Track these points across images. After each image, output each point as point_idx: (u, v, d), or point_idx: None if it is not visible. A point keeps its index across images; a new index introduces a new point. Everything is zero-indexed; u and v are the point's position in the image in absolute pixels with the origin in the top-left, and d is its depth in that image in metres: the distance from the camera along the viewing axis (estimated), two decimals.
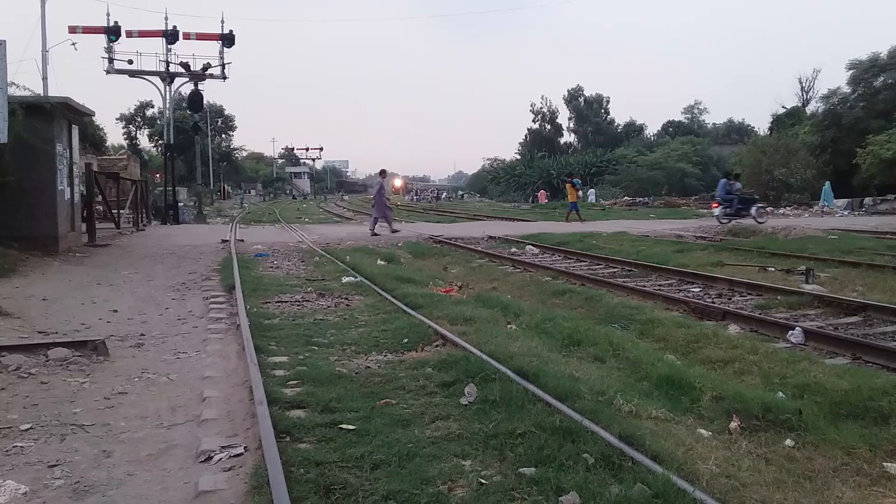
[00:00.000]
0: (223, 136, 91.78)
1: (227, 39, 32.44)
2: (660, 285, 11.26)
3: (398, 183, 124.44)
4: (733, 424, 4.86)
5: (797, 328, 7.48)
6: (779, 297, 9.55)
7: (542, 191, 57.82)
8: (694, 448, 4.37)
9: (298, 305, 9.13)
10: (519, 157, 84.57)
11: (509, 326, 7.67)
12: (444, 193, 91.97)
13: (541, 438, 4.16)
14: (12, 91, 12.50)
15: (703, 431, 4.77)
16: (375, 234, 20.96)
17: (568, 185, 28.95)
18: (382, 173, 23.07)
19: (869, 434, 4.70)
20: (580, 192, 29.88)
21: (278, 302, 9.33)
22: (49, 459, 4.14)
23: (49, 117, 14.24)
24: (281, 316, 8.35)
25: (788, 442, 4.63)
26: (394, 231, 21.48)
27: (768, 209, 28.31)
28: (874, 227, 21.30)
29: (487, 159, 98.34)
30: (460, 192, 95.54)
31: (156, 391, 5.55)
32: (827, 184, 36.19)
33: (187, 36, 32.02)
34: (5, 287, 9.47)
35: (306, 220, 34.59)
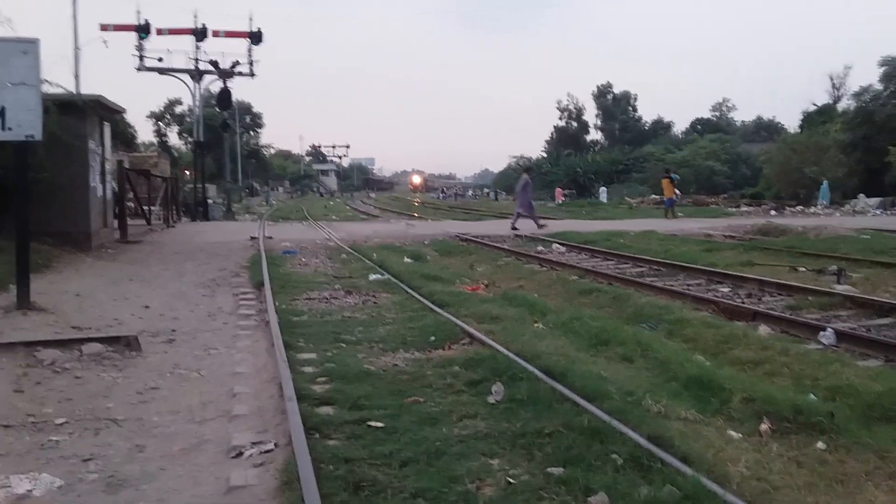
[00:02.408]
0: (251, 133, 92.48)
1: (256, 37, 32.68)
2: (688, 285, 11.17)
3: (417, 180, 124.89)
4: (764, 426, 4.80)
5: (829, 329, 7.37)
6: (810, 298, 9.42)
7: (557, 189, 57.48)
8: (724, 450, 4.33)
9: (326, 302, 9.19)
10: (545, 154, 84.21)
11: (536, 325, 7.66)
12: (470, 191, 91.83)
13: (569, 438, 4.15)
14: (45, 89, 12.67)
15: (733, 433, 4.72)
16: (515, 229, 21.26)
17: (665, 181, 28.83)
18: (528, 170, 24.52)
19: None
20: (677, 190, 30.01)
21: (306, 299, 9.40)
22: (83, 453, 4.21)
23: (82, 115, 14.46)
24: (309, 313, 8.41)
25: (820, 445, 4.57)
26: (540, 226, 21.65)
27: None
28: None
29: (514, 157, 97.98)
30: (486, 190, 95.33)
31: (187, 386, 5.62)
32: (825, 182, 36.03)
33: (216, 34, 32.32)
34: (40, 283, 9.64)
35: (333, 217, 34.76)
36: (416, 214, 36.94)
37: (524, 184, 22.82)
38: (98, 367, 6.10)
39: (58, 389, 5.45)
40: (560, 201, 53.42)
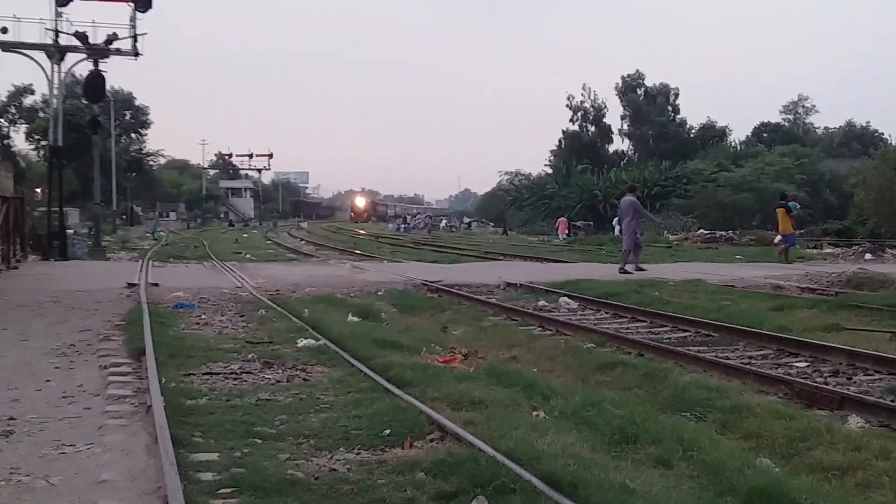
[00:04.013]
0: (133, 136, 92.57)
1: (141, 1, 32.77)
2: (750, 357, 11.24)
3: (360, 203, 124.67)
4: None
5: None
6: None
7: (562, 218, 57.91)
8: None
9: (235, 379, 9.14)
10: (550, 170, 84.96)
11: (535, 414, 7.66)
12: (444, 220, 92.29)
13: None
14: None
15: None
16: (625, 273, 22.14)
17: (780, 211, 28.98)
18: (632, 189, 25.81)
19: None
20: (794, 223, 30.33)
21: (207, 374, 9.34)
22: None
23: None
24: (210, 394, 8.34)
25: None
26: (639, 269, 22.77)
27: None
28: None
29: (506, 173, 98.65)
30: (467, 220, 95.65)
31: (30, 501, 5.52)
32: None
33: None
34: None
35: (248, 256, 34.67)
36: (365, 253, 36.96)
37: (632, 208, 23.33)
38: None
39: None
40: (564, 236, 53.65)
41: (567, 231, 55.86)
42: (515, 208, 78.29)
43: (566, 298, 17.05)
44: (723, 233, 48.19)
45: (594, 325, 13.89)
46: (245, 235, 63.43)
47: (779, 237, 29.42)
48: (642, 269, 22.97)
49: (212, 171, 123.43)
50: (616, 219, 54.70)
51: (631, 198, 23.91)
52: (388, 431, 6.87)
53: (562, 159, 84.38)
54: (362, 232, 73.49)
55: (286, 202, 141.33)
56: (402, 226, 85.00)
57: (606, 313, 15.63)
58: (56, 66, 32.84)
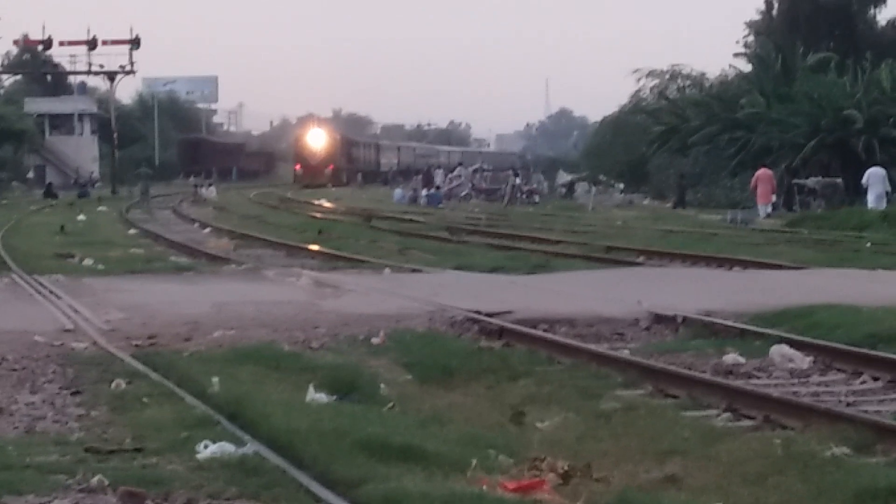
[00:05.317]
0: None
1: None
2: None
3: (317, 142, 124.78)
4: None
5: None
6: None
7: (765, 170, 57.85)
8: None
9: None
10: (748, 65, 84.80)
11: None
12: (515, 178, 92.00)
13: None
14: None
15: None
16: None
17: None
18: None
19: None
20: None
21: None
22: None
23: None
24: None
25: None
26: None
27: None
28: None
29: (649, 75, 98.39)
30: (566, 178, 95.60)
31: None
32: None
33: None
34: None
35: (89, 262, 34.85)
36: (342, 254, 36.93)
37: None
38: None
39: None
40: (769, 208, 53.58)
41: (779, 197, 55.82)
42: (670, 150, 77.84)
43: (784, 348, 17.08)
44: None
45: (847, 406, 13.90)
46: (82, 217, 63.55)
47: None
48: None
49: (8, 80, 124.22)
50: (866, 174, 54.98)
51: None
52: None
53: (772, 43, 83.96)
54: (332, 206, 73.72)
55: (170, 142, 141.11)
56: (426, 192, 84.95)
57: (874, 380, 15.63)
58: None
